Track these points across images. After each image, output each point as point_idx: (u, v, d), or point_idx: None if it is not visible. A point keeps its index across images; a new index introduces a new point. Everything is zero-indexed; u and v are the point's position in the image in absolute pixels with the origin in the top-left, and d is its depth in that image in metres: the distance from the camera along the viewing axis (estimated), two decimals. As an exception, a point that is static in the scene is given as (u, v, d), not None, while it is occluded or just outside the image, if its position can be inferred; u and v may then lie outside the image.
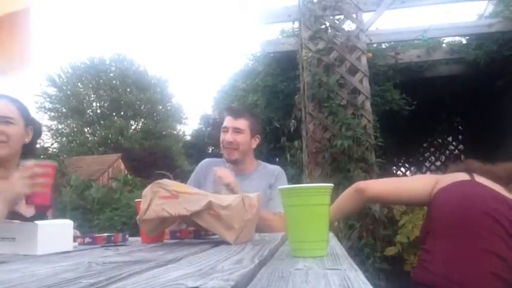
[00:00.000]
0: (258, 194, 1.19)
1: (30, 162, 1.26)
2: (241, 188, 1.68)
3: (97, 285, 0.51)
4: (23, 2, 1.43)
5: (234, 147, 1.87)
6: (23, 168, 1.25)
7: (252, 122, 1.95)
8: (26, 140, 1.54)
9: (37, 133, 1.62)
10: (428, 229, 1.38)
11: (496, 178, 1.34)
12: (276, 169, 1.98)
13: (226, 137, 1.88)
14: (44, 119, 24.60)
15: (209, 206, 1.06)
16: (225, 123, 1.91)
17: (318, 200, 0.81)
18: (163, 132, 27.30)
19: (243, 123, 1.90)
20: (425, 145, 6.81)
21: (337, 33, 3.67)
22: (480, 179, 1.35)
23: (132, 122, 28.39)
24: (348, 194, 1.50)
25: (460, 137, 6.63)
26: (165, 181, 1.13)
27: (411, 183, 1.52)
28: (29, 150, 1.57)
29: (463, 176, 1.38)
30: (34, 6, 1.47)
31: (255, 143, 1.96)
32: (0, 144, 1.44)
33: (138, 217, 1.11)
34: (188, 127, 29.83)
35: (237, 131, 1.88)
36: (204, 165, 2.01)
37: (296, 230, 0.83)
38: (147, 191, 1.11)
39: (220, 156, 2.07)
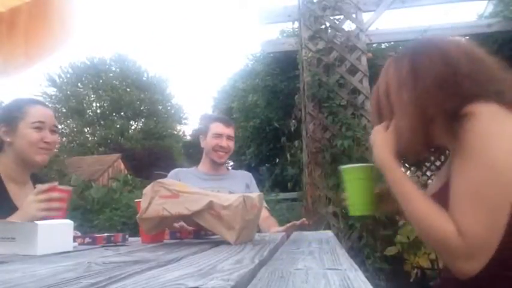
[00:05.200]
0: (259, 194, 1.19)
1: (45, 185, 1.26)
2: (223, 185, 1.99)
3: (97, 285, 0.51)
4: None
5: (226, 151, 2.09)
6: (39, 191, 1.25)
7: (234, 127, 2.20)
8: None
9: None
10: None
11: None
12: (246, 173, 2.25)
13: (222, 142, 2.06)
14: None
15: (210, 206, 1.06)
16: (218, 130, 2.07)
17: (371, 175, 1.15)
18: (163, 133, 27.29)
19: (232, 131, 2.13)
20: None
21: (337, 33, 3.67)
22: None
23: (132, 122, 28.38)
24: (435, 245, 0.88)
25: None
26: (166, 180, 1.13)
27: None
28: None
29: None
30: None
31: None
32: (48, 151, 1.52)
33: (138, 215, 1.11)
34: (188, 127, 29.87)
35: (229, 138, 2.10)
36: (174, 174, 2.08)
37: (355, 196, 1.17)
38: (147, 190, 1.11)
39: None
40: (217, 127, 2.08)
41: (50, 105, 1.70)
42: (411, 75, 0.96)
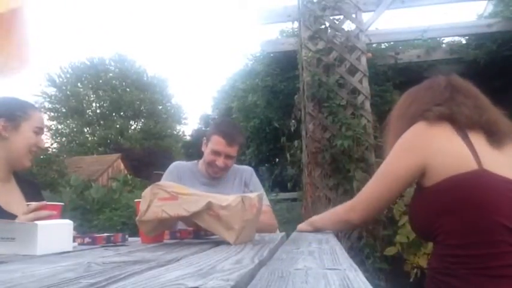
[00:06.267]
0: (258, 194, 1.19)
1: (35, 204, 1.24)
2: (218, 188, 1.87)
3: (97, 285, 0.51)
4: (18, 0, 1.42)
5: (222, 169, 1.91)
6: (28, 210, 1.23)
7: (241, 144, 1.97)
8: None
9: None
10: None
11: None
12: (247, 168, 2.11)
13: (218, 161, 1.88)
14: (43, 119, 24.67)
15: (209, 207, 1.06)
16: (217, 147, 1.87)
17: None
18: (163, 133, 27.28)
19: (235, 150, 1.91)
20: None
21: (336, 33, 3.67)
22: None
23: (132, 122, 28.38)
24: (337, 221, 1.37)
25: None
26: (165, 183, 1.14)
27: (391, 184, 1.25)
28: None
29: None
30: (28, 3, 1.46)
31: None
32: (35, 156, 1.56)
33: (137, 218, 1.11)
34: (188, 127, 29.89)
35: (228, 157, 1.90)
36: (174, 168, 2.01)
37: None
38: (146, 193, 1.11)
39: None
40: (219, 143, 1.87)
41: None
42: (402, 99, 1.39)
